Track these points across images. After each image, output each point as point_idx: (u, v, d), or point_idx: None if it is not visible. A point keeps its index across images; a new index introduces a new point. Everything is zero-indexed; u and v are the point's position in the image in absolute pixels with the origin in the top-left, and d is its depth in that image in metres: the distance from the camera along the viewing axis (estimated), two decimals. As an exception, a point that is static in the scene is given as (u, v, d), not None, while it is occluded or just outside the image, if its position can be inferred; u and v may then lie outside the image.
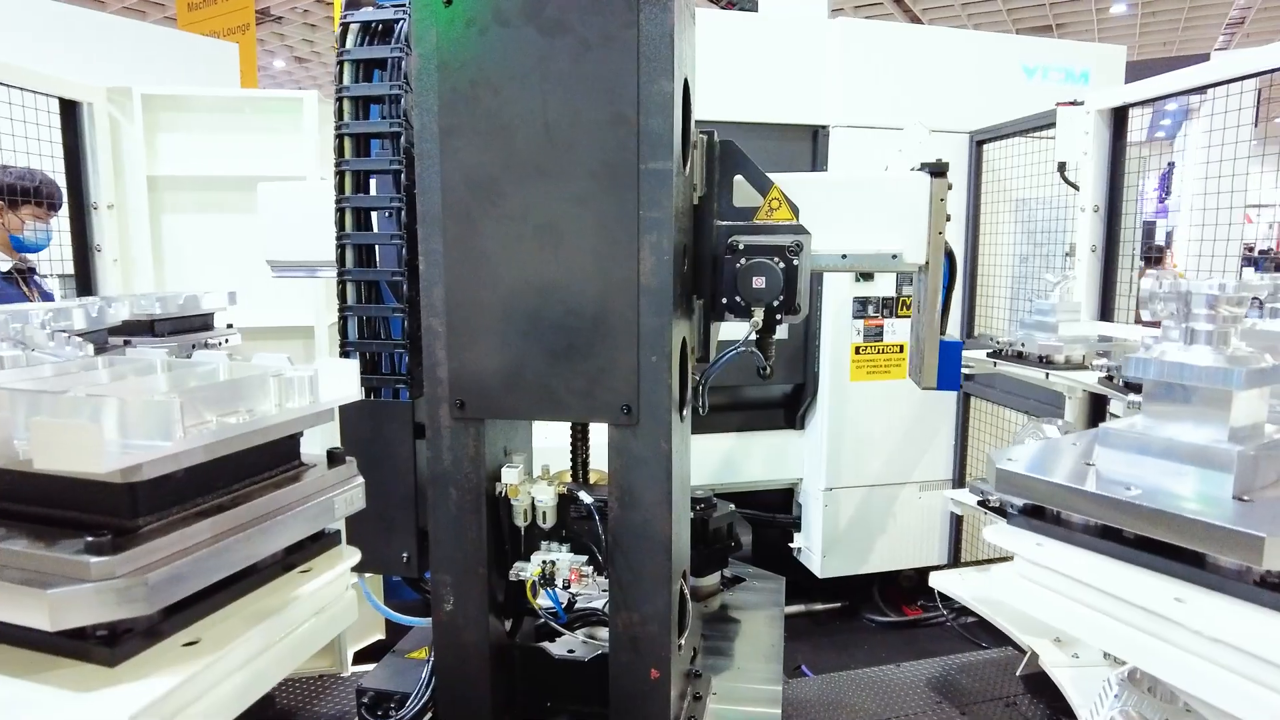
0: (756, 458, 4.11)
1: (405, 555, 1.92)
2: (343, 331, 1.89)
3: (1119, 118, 3.12)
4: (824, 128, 3.80)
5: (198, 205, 3.58)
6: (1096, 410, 3.17)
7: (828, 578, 4.16)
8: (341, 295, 1.89)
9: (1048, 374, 2.61)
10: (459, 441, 1.68)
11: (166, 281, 3.56)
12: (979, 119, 3.88)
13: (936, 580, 3.13)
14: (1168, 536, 0.89)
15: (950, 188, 1.90)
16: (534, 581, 1.69)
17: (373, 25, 1.86)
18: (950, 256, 1.94)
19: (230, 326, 2.69)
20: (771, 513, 4.26)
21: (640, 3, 1.51)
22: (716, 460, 4.02)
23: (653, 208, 1.55)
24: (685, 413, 1.76)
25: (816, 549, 4.10)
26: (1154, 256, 4.56)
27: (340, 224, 1.87)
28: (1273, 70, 2.42)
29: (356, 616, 1.18)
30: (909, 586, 4.39)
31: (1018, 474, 1.02)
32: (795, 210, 1.86)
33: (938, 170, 1.89)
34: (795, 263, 1.72)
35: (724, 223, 1.86)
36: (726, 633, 2.42)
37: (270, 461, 1.04)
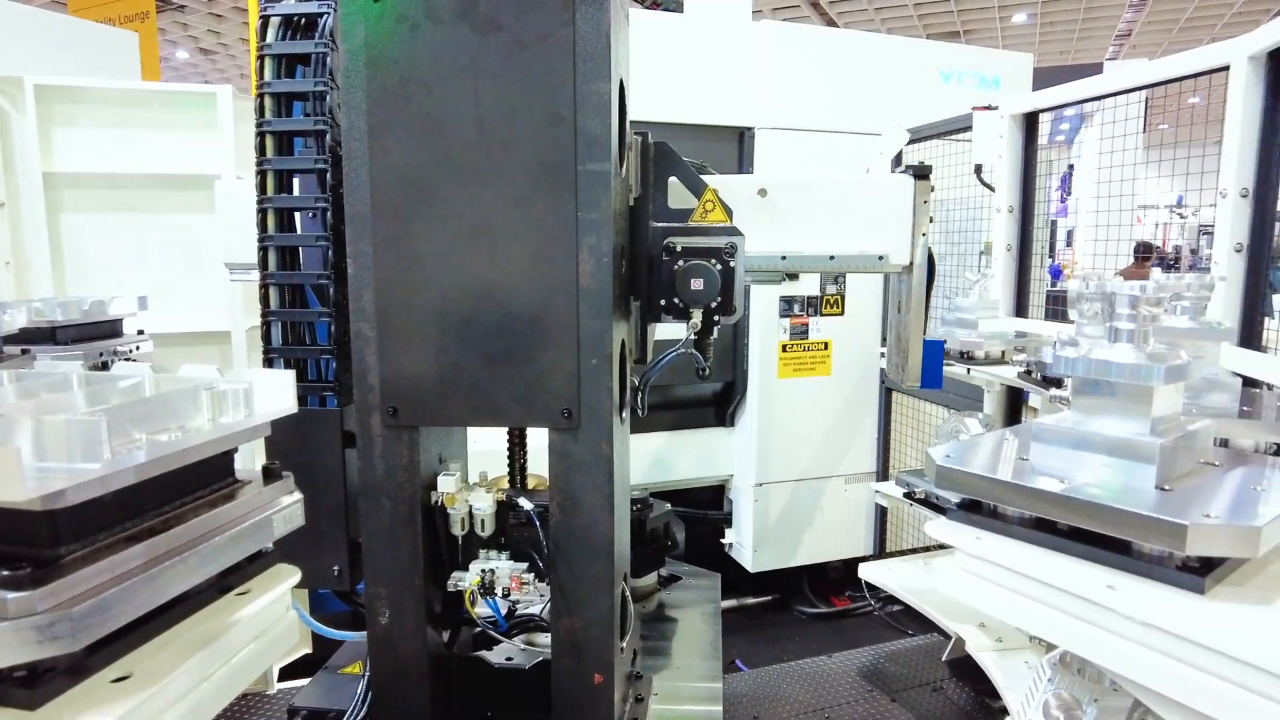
0: (688, 456, 4.14)
1: (336, 568, 1.86)
2: (265, 337, 1.82)
3: (1030, 122, 3.26)
4: (750, 129, 3.85)
5: (102, 205, 3.38)
6: (1014, 403, 3.30)
7: (759, 572, 4.21)
8: (264, 300, 1.81)
9: (969, 369, 2.71)
10: (391, 450, 1.64)
11: (67, 286, 3.35)
12: (899, 121, 3.98)
13: (865, 571, 3.21)
14: (1098, 527, 0.94)
15: (933, 190, 1.92)
16: (473, 591, 1.66)
17: (295, 19, 1.79)
18: (930, 258, 1.96)
19: (141, 333, 2.55)
20: (704, 510, 4.29)
21: (576, 2, 1.49)
22: (649, 459, 4.03)
23: (591, 209, 1.53)
24: (625, 415, 1.75)
25: (748, 544, 4.15)
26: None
27: (262, 226, 1.79)
28: (1164, 82, 2.57)
29: (298, 638, 1.13)
30: (837, 577, 4.49)
31: (957, 470, 1.06)
32: (729, 212, 1.88)
33: (921, 173, 1.91)
34: (731, 264, 1.74)
35: (660, 224, 1.86)
36: (665, 632, 2.43)
37: (203, 480, 0.99)
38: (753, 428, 4.05)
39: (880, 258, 1.91)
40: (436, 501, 1.69)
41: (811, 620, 4.31)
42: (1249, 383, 2.15)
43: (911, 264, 1.92)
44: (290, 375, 1.09)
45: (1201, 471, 1.04)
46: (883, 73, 4.01)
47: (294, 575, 1.13)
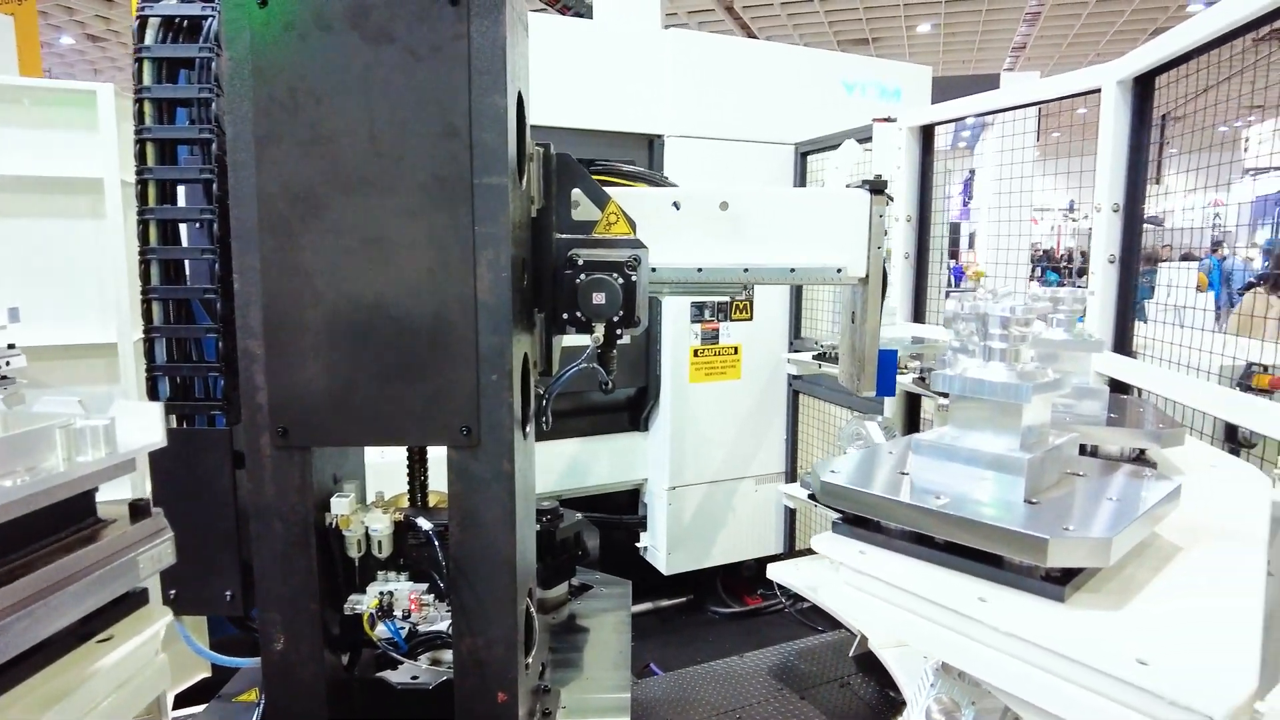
0: (603, 461, 4.14)
1: (229, 593, 1.79)
2: (149, 354, 1.73)
3: (926, 135, 3.39)
4: (659, 136, 3.88)
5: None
6: (913, 407, 3.43)
7: (674, 574, 4.25)
8: (147, 315, 1.72)
9: (867, 375, 2.80)
10: (282, 472, 1.58)
11: (-72, 294, 3.11)
12: (804, 131, 4.09)
13: (773, 572, 3.28)
14: (970, 541, 0.99)
15: (889, 204, 1.96)
16: (371, 614, 1.62)
17: (176, 21, 1.71)
18: (884, 271, 1.99)
19: (12, 348, 2.39)
20: (619, 514, 4.31)
21: (470, 14, 1.47)
22: (563, 466, 4.01)
23: (488, 223, 1.52)
24: (529, 429, 1.74)
25: (662, 547, 4.18)
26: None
27: (143, 237, 1.71)
28: (1045, 101, 2.71)
29: (169, 684, 1.07)
30: (750, 576, 4.58)
31: (840, 486, 1.09)
32: (633, 224, 1.89)
33: (876, 187, 1.93)
34: (634, 278, 1.75)
35: (563, 236, 1.86)
36: (575, 643, 2.42)
37: (60, 522, 0.93)
38: (666, 432, 4.08)
39: (838, 270, 1.93)
40: (331, 523, 1.64)
41: (725, 620, 4.38)
42: (1119, 387, 2.29)
43: (868, 276, 1.95)
44: (157, 408, 1.03)
45: (1067, 483, 1.10)
46: (788, 83, 4.10)
47: (165, 616, 1.08)
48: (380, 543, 1.67)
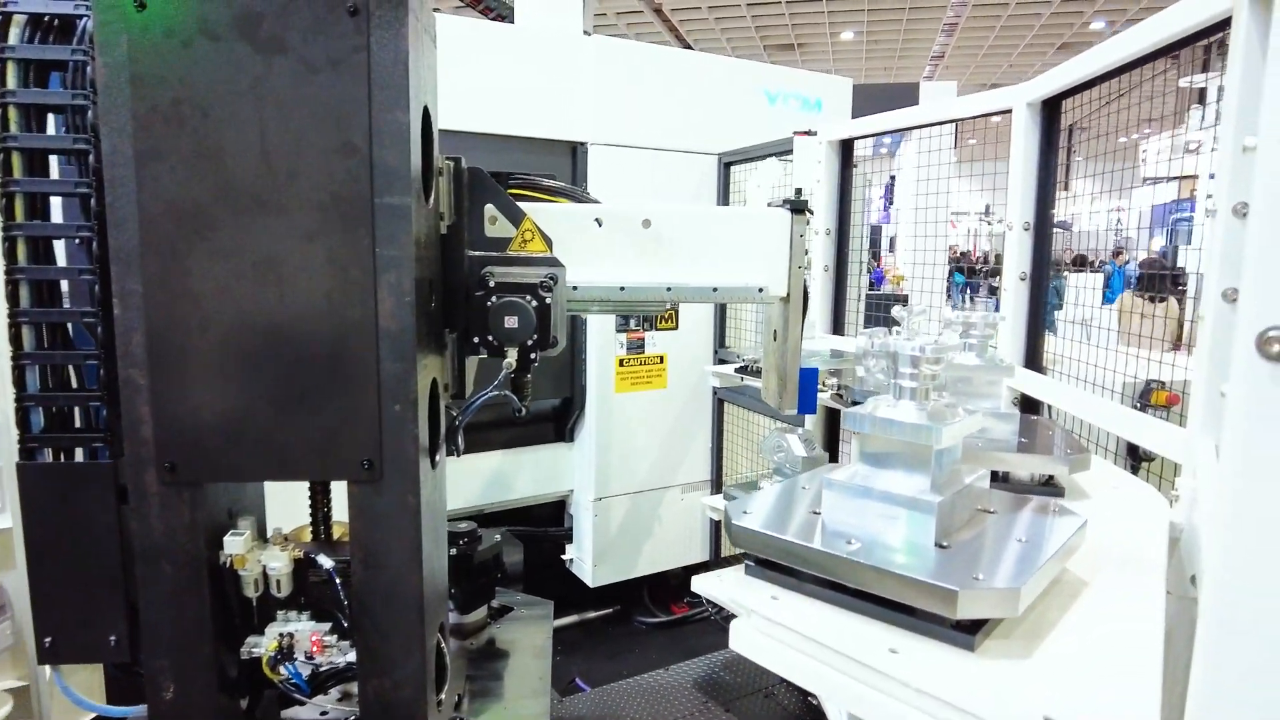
0: (527, 473, 4.07)
1: (113, 638, 1.66)
2: (18, 383, 1.59)
3: (846, 148, 3.42)
4: (583, 144, 3.82)
5: None
6: (833, 420, 3.47)
7: (600, 586, 4.21)
8: (15, 340, 1.59)
9: (790, 389, 2.80)
10: (171, 510, 1.48)
11: None
12: (728, 141, 4.09)
13: (698, 584, 3.26)
14: (882, 591, 0.97)
15: (809, 223, 1.95)
16: (270, 657, 1.53)
17: (45, 19, 1.57)
18: (805, 290, 1.98)
19: None
20: (544, 527, 4.24)
21: (370, 26, 1.40)
22: (485, 479, 3.93)
23: (390, 245, 1.44)
24: (439, 457, 1.67)
25: (588, 559, 4.13)
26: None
27: (10, 256, 1.57)
28: (958, 120, 2.76)
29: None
30: (676, 585, 4.57)
31: (752, 532, 1.06)
32: (549, 241, 1.83)
33: (797, 207, 1.91)
34: (548, 299, 1.69)
35: (476, 253, 1.80)
36: (494, 670, 2.36)
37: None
38: (591, 443, 4.03)
39: (760, 290, 1.91)
40: (225, 562, 1.54)
41: (652, 630, 4.36)
42: (1030, 402, 2.34)
43: (789, 295, 1.93)
44: None
45: (978, 521, 1.10)
46: (712, 92, 4.10)
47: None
48: (279, 581, 1.58)
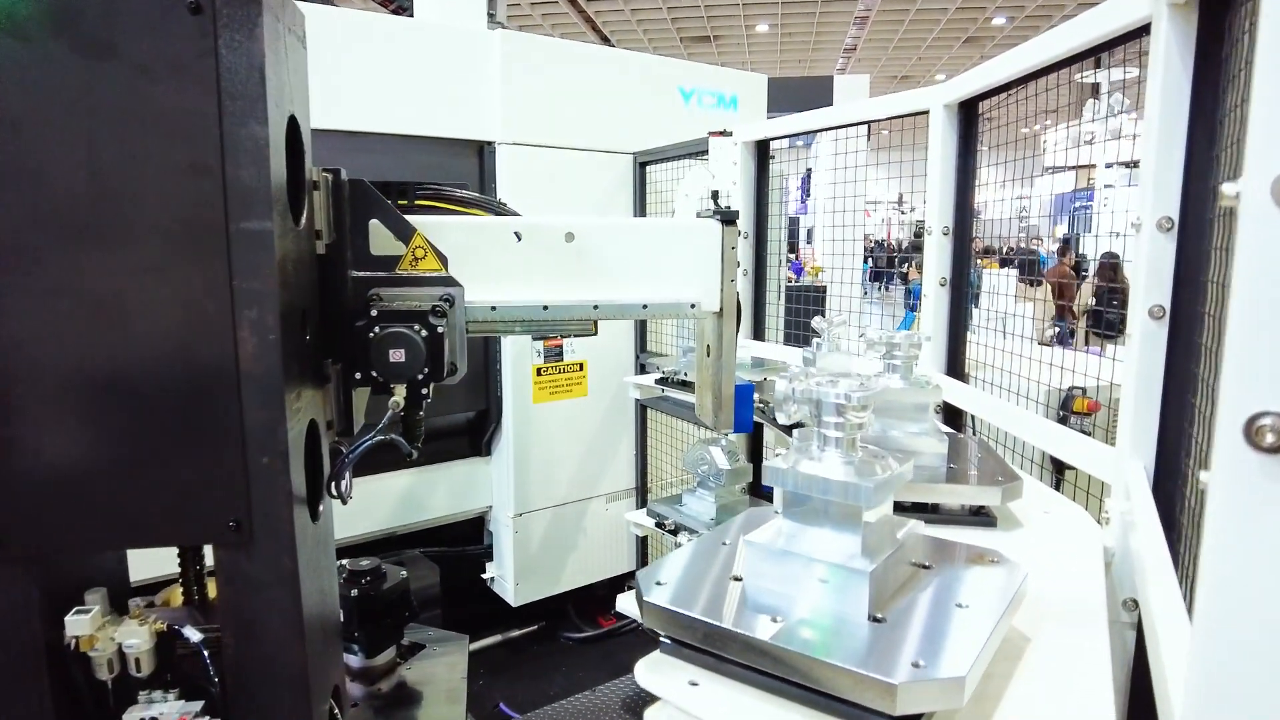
0: (441, 491, 3.88)
1: (-62, 733, 1.43)
2: None
3: (762, 149, 3.34)
4: (490, 144, 3.64)
5: None
6: (756, 430, 3.39)
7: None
8: None
9: (711, 400, 2.70)
10: (2, 589, 1.27)
11: None
12: (642, 140, 3.96)
13: (623, 603, 3.15)
14: (812, 683, 0.85)
15: (740, 235, 1.86)
16: (127, 749, 1.34)
17: None
18: (738, 303, 1.90)
19: None
20: (462, 545, 4.05)
21: (218, 26, 1.21)
22: (396, 500, 3.72)
23: (250, 276, 1.26)
24: (321, 508, 1.50)
25: (510, 577, 3.97)
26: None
27: None
28: (874, 121, 2.70)
29: None
30: (603, 596, 4.44)
31: (663, 610, 0.93)
32: (443, 259, 1.67)
33: (727, 218, 1.81)
34: (440, 328, 1.53)
35: (361, 274, 1.63)
36: (404, 717, 2.19)
37: None
38: (509, 456, 3.86)
39: (692, 305, 1.81)
40: (70, 644, 1.34)
41: (579, 645, 4.22)
42: (952, 411, 2.29)
43: (722, 310, 1.84)
44: None
45: (914, 582, 0.99)
46: (625, 90, 3.96)
47: None
48: (139, 660, 1.39)
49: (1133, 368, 1.48)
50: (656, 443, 4.27)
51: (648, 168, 3.96)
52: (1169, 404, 1.46)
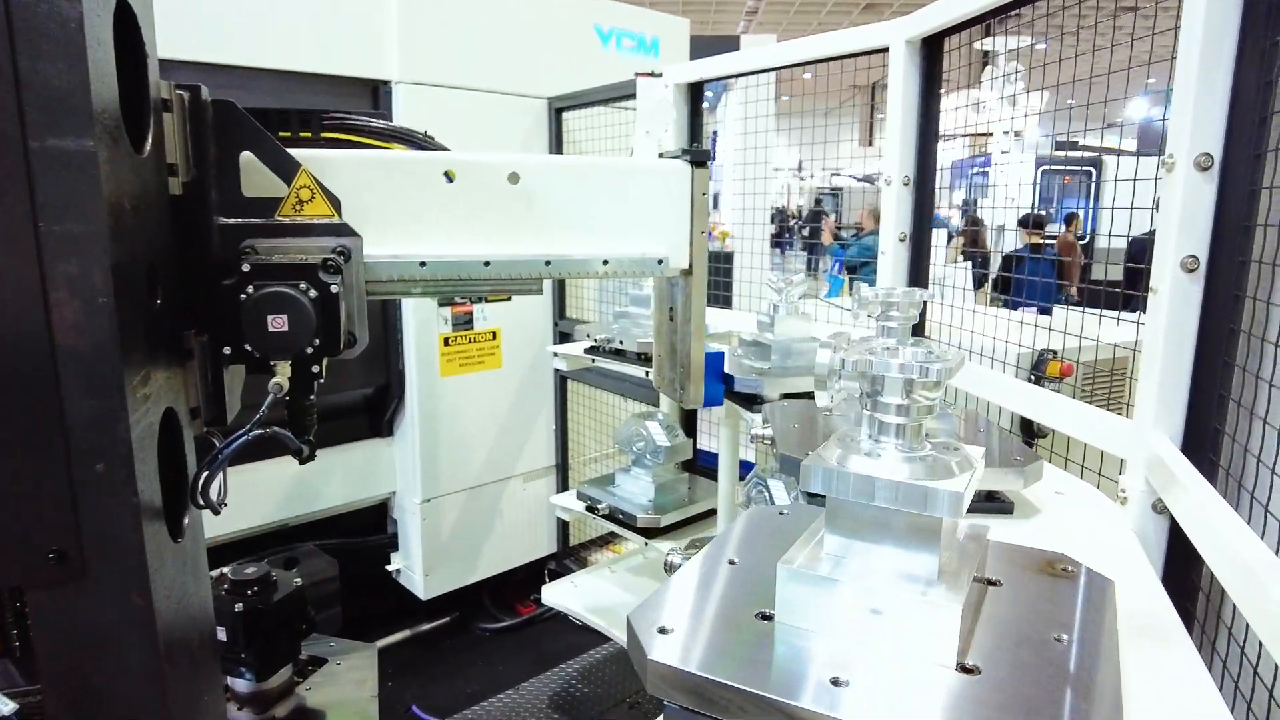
0: (338, 476, 3.48)
1: None
2: None
3: (695, 93, 3.06)
4: (386, 83, 3.22)
5: None
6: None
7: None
8: None
9: (647, 372, 2.44)
10: None
11: None
12: (558, 84, 3.61)
13: (549, 596, 2.88)
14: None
15: (711, 180, 1.59)
16: None
17: None
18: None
19: None
20: (364, 536, 3.67)
21: None
22: (286, 488, 3.31)
23: (64, 217, 0.91)
24: (187, 521, 1.16)
25: (418, 568, 3.63)
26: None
27: None
28: (829, 59, 2.47)
29: None
30: (521, 581, 4.16)
31: (681, 673, 0.67)
32: (335, 203, 1.34)
33: (699, 159, 1.57)
34: (334, 286, 1.20)
35: (231, 220, 1.28)
36: (303, 749, 1.86)
37: None
38: (415, 436, 3.50)
39: (660, 261, 1.57)
40: None
41: (497, 636, 3.93)
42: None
43: (692, 267, 1.61)
44: None
45: (989, 605, 0.76)
46: (538, 27, 3.59)
47: None
48: (-75, 739, 1.02)
49: (1160, 328, 1.30)
50: (577, 416, 3.99)
51: (564, 114, 3.61)
52: (1201, 369, 1.29)
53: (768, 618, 0.74)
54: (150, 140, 1.10)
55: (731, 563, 0.86)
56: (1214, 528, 1.10)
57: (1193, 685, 0.86)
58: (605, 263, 1.55)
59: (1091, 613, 0.76)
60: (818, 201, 16.07)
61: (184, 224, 1.22)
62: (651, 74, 2.98)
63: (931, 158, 2.14)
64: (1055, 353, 2.01)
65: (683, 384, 1.73)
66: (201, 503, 1.16)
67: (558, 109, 3.62)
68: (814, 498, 1.35)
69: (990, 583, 0.82)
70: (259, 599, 1.95)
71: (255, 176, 1.31)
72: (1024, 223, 5.63)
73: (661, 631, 0.72)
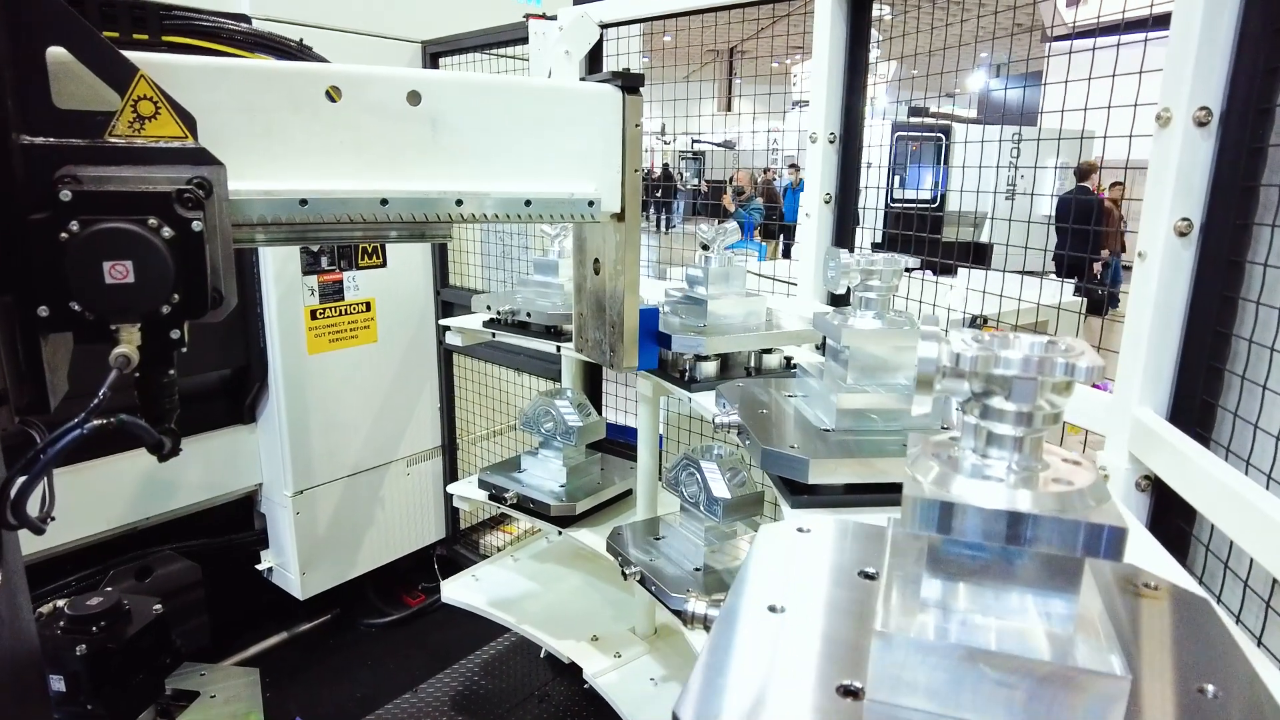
0: (195, 469, 3.07)
1: None
2: None
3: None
4: (243, 18, 2.79)
5: None
6: (594, 374, 2.94)
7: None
8: None
9: (559, 347, 2.19)
10: None
11: None
12: (431, 27, 3.27)
13: (449, 593, 2.62)
14: None
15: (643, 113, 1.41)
16: None
17: None
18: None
19: None
20: (227, 534, 3.26)
21: None
22: (136, 485, 2.87)
23: None
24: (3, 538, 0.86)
25: (292, 567, 3.27)
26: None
27: None
28: (739, 5, 2.30)
29: None
30: (407, 570, 3.85)
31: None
32: (189, 121, 1.05)
33: (631, 84, 1.38)
34: (196, 225, 0.92)
35: (40, 141, 0.97)
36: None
37: None
38: (281, 421, 3.13)
39: (590, 203, 1.36)
40: None
41: (383, 631, 3.62)
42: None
43: (624, 210, 1.42)
44: None
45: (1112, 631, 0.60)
46: (405, -38, 3.23)
47: None
48: None
49: (1148, 296, 1.22)
50: (464, 392, 3.70)
51: (441, 61, 3.26)
52: (1191, 339, 1.21)
53: (852, 693, 0.55)
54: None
55: (773, 610, 0.65)
56: (1217, 479, 1.02)
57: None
58: (528, 203, 1.32)
59: (1216, 650, 0.62)
60: (665, 166, 16.03)
61: (-31, 144, 0.91)
62: (544, 16, 2.70)
63: (858, 114, 2.01)
64: (986, 318, 1.93)
65: (613, 345, 1.53)
66: (14, 521, 0.85)
67: (433, 54, 3.28)
68: (788, 483, 1.19)
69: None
70: (107, 635, 1.60)
71: (71, 84, 0.99)
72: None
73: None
